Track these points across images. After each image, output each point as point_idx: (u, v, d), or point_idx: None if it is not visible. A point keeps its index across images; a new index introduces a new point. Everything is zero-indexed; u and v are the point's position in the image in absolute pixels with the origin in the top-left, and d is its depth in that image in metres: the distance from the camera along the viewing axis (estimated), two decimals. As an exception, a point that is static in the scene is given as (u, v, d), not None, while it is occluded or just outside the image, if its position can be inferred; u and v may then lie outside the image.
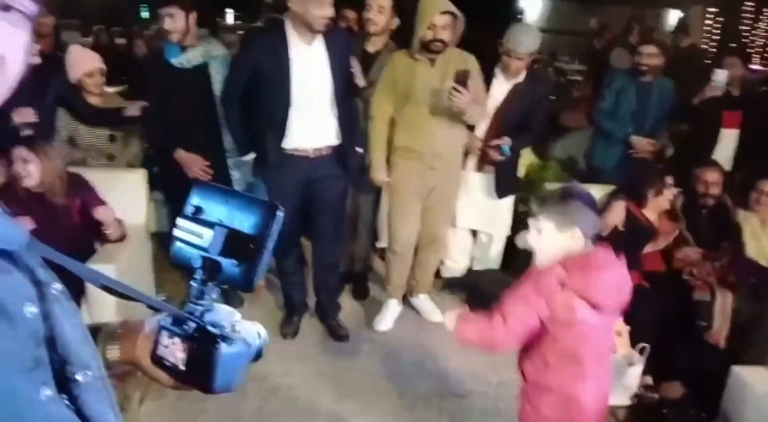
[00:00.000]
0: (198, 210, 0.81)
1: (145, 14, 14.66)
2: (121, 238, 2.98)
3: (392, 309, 3.55)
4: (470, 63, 3.18)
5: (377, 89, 3.23)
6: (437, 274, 3.85)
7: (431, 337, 3.41)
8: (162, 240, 3.71)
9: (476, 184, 3.67)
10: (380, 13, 3.38)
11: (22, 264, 0.60)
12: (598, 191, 3.33)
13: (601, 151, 4.24)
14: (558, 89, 6.27)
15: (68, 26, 12.78)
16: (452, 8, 3.06)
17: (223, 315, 0.81)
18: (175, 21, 2.99)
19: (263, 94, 2.88)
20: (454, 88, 2.97)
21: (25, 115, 3.06)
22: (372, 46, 3.46)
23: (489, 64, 3.43)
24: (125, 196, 3.25)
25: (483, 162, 3.56)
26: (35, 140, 2.86)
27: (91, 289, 2.76)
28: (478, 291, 3.74)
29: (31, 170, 2.77)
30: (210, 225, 0.80)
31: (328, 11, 2.79)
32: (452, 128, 3.22)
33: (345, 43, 3.01)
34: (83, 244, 2.91)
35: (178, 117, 3.09)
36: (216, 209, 0.80)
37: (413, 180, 3.27)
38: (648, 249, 3.28)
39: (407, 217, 3.35)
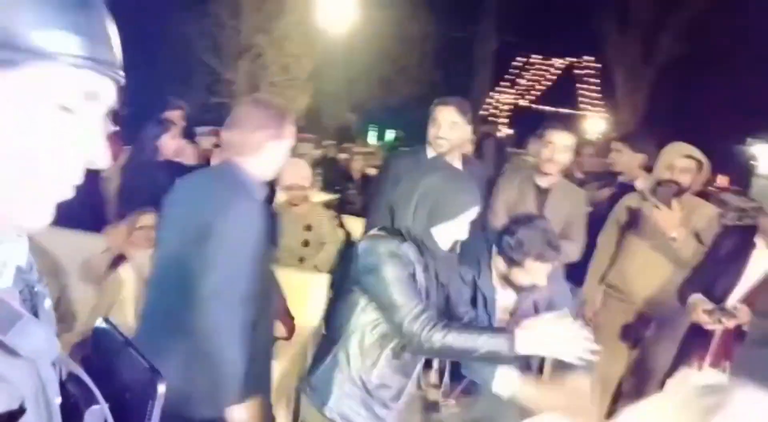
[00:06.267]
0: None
1: (372, 136, 16.25)
2: (286, 338, 3.11)
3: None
4: (708, 212, 3.05)
5: (607, 223, 3.29)
6: None
7: None
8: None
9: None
10: (564, 152, 3.17)
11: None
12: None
13: None
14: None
15: (304, 139, 14.68)
16: (698, 154, 3.00)
17: None
18: None
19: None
20: (655, 206, 2.91)
21: None
22: (545, 182, 3.22)
23: None
24: (306, 297, 3.45)
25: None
26: None
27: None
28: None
29: None
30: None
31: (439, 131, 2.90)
32: (675, 277, 2.93)
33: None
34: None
35: None
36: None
37: (618, 323, 3.07)
38: None
39: (608, 360, 3.01)
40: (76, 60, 0.60)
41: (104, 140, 0.64)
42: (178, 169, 3.84)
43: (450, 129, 2.91)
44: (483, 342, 1.70)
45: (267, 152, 2.01)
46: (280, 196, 3.89)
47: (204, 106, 12.54)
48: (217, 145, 5.74)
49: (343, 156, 9.35)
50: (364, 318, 1.86)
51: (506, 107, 22.35)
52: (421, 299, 1.79)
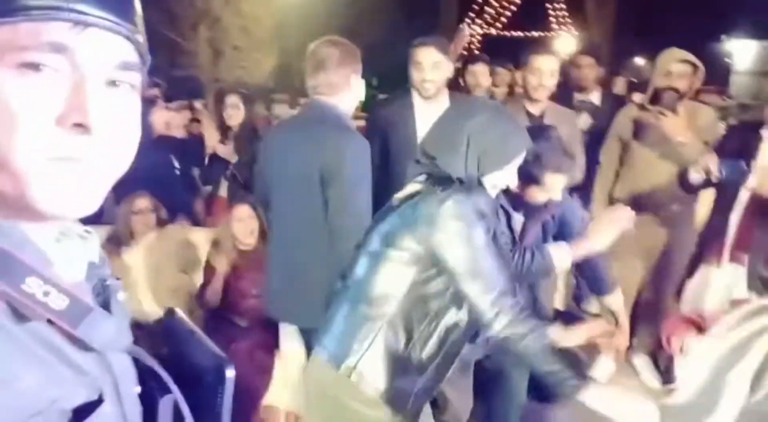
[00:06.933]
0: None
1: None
2: None
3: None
4: (709, 113, 3.12)
5: (608, 138, 3.28)
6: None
7: None
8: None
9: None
10: (551, 77, 3.04)
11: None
12: None
13: None
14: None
15: (279, 100, 14.44)
16: (692, 58, 3.01)
17: None
18: None
19: (394, 162, 2.80)
20: (660, 113, 2.90)
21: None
22: (536, 108, 3.08)
23: None
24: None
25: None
26: None
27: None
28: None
29: None
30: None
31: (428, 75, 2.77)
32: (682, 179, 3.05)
33: None
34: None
35: None
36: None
37: (631, 235, 3.08)
38: None
39: (625, 273, 3.04)
40: (31, 12, 0.53)
41: (85, 96, 0.55)
42: (173, 144, 3.75)
43: (433, 70, 2.81)
44: (550, 363, 1.57)
45: (352, 87, 2.20)
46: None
47: (170, 81, 12.23)
48: (193, 119, 5.59)
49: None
50: (420, 290, 1.65)
51: (477, 39, 22.01)
52: (506, 271, 1.62)
